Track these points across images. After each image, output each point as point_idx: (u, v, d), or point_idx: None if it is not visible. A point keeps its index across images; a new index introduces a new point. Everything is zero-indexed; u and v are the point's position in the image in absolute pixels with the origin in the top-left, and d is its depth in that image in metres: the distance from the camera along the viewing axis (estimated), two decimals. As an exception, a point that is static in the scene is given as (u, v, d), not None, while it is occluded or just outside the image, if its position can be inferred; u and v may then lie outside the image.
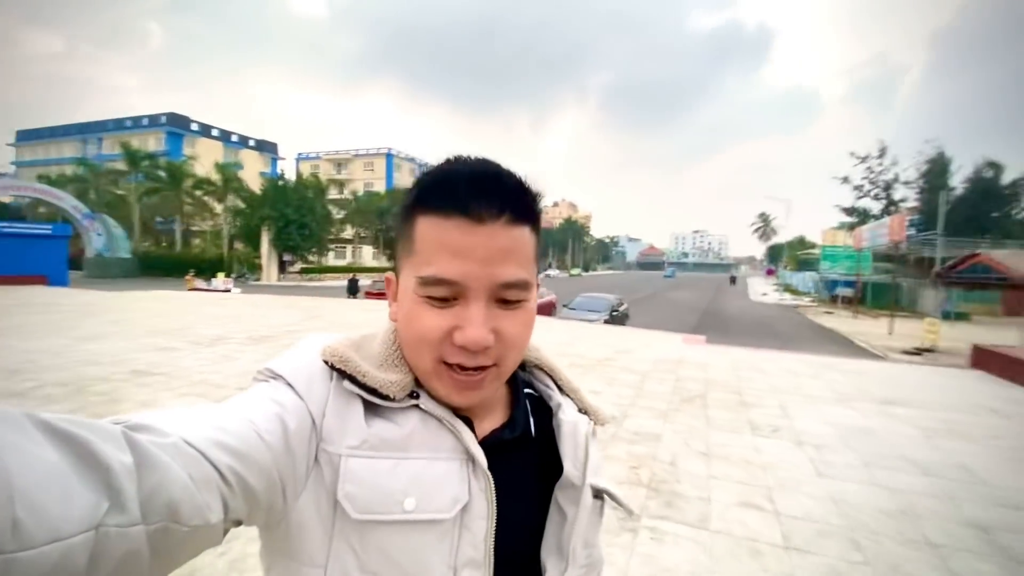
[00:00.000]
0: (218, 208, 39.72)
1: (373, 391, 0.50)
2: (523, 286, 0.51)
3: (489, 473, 0.52)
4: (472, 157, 0.52)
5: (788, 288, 49.63)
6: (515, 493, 0.55)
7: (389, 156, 66.49)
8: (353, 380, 0.51)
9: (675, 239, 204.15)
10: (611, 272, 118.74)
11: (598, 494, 0.58)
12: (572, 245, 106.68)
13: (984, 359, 8.37)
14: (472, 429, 0.55)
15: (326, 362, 0.52)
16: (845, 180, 40.72)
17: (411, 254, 0.51)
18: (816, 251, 50.55)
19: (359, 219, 50.14)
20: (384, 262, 53.28)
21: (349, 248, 57.62)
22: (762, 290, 48.16)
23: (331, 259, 54.85)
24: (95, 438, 0.33)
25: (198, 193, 39.18)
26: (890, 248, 20.57)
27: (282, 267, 37.25)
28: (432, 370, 0.51)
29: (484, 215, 0.48)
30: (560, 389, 0.64)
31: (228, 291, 21.49)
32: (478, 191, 0.48)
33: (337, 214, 50.08)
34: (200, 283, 23.14)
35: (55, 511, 0.29)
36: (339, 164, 68.09)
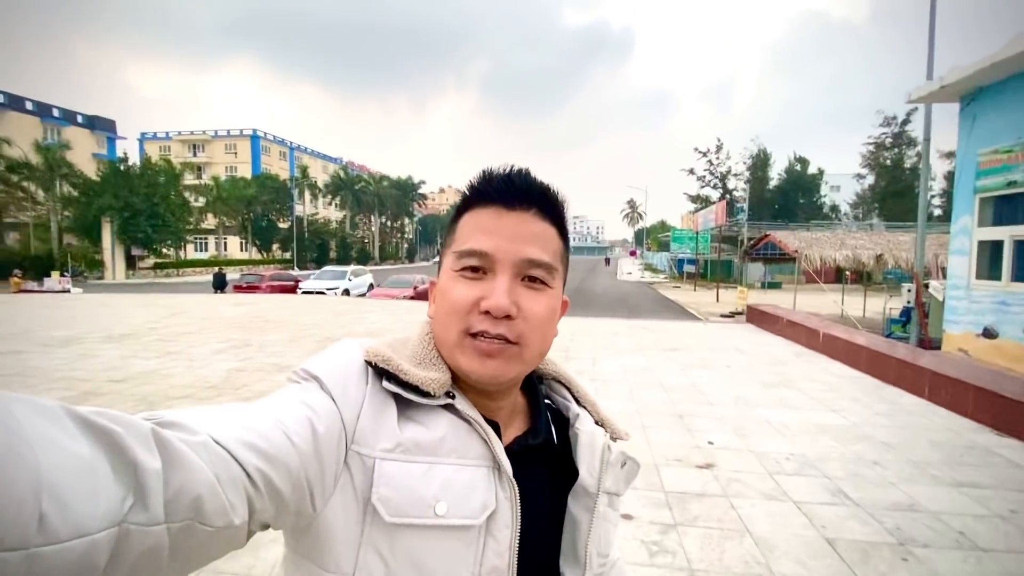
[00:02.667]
0: (43, 197, 34.10)
1: (414, 388, 0.52)
2: (547, 268, 0.55)
3: (515, 481, 0.53)
4: (508, 165, 0.57)
5: (649, 267, 55.92)
6: (537, 501, 0.56)
7: (255, 137, 61.35)
8: (394, 378, 0.52)
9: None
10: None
11: (612, 502, 0.61)
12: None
13: (754, 316, 11.05)
14: (500, 436, 0.56)
15: (368, 362, 0.53)
16: (691, 172, 46.60)
17: (452, 244, 0.57)
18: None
19: (223, 207, 46.08)
20: (254, 254, 49.69)
21: (212, 239, 52.66)
22: (628, 270, 53.42)
23: (191, 252, 49.82)
24: (126, 434, 0.33)
25: (15, 179, 33.23)
26: (715, 231, 24.61)
27: (131, 263, 33.33)
28: (457, 341, 0.53)
29: (515, 204, 0.55)
30: (577, 401, 0.66)
31: (67, 291, 19.08)
32: (510, 184, 0.56)
33: (196, 202, 45.57)
34: (31, 284, 20.19)
35: (81, 507, 0.29)
36: (195, 146, 61.31)
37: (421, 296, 17.41)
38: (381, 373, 0.53)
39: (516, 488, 0.53)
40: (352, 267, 22.80)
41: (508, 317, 0.52)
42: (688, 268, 35.89)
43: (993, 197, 6.85)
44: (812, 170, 50.27)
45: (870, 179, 45.64)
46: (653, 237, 76.26)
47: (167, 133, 62.00)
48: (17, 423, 0.28)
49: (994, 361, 6.55)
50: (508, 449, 0.56)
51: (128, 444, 0.32)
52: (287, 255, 48.87)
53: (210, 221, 49.17)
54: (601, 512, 0.58)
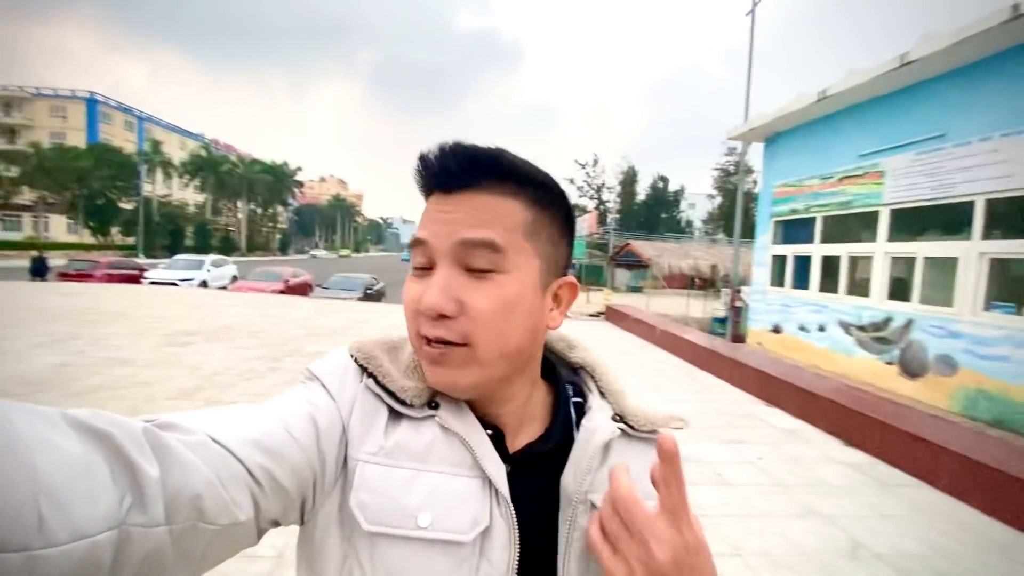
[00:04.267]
0: None
1: (392, 395, 0.49)
2: (490, 247, 0.47)
3: (510, 501, 0.47)
4: (444, 142, 0.48)
5: (531, 269, 58.58)
6: (543, 516, 0.50)
7: (92, 101, 52.49)
8: (375, 380, 0.50)
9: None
10: (384, 254, 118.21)
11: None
12: (342, 224, 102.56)
13: (611, 315, 12.43)
14: (504, 443, 0.51)
15: (353, 357, 0.51)
16: (571, 181, 49.86)
17: None
18: (552, 238, 60.55)
19: (45, 180, 38.84)
20: (86, 237, 42.62)
21: (27, 217, 44.08)
22: (510, 271, 55.30)
23: (-2, 231, 41.32)
24: (122, 435, 0.32)
25: None
26: (587, 239, 26.82)
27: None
28: (417, 346, 0.49)
29: (453, 184, 0.48)
30: (601, 392, 0.58)
31: None
32: (443, 165, 0.48)
33: (7, 171, 37.88)
34: None
35: (80, 509, 0.29)
36: (7, 104, 50.84)
37: (293, 290, 16.51)
38: (367, 372, 0.50)
39: (512, 508, 0.47)
40: (212, 257, 20.81)
41: (444, 316, 0.46)
42: (565, 271, 38.34)
43: (783, 220, 8.60)
44: (676, 187, 56.51)
45: (719, 199, 52.67)
46: (535, 241, 79.63)
47: (-34, 84, 50.51)
48: (13, 426, 0.28)
49: (778, 351, 8.25)
50: (513, 457, 0.51)
51: (124, 445, 0.32)
52: (131, 240, 42.69)
53: (27, 195, 41.13)
54: (580, 524, 0.49)
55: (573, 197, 50.26)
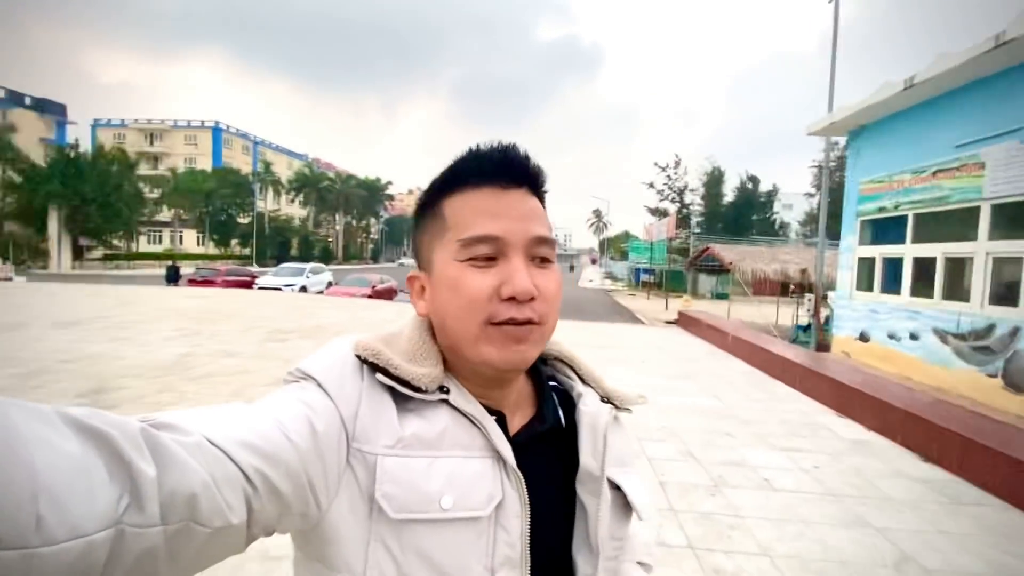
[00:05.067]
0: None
1: (405, 383, 0.51)
2: (551, 244, 0.55)
3: (519, 472, 0.52)
4: (495, 142, 0.54)
5: (610, 275, 57.61)
6: (547, 489, 0.55)
7: (217, 130, 59.97)
8: (385, 373, 0.51)
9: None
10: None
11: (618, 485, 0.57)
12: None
13: (683, 321, 12.05)
14: (506, 425, 0.56)
15: (358, 356, 0.52)
16: (651, 185, 48.49)
17: (444, 231, 0.54)
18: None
19: (180, 200, 44.91)
20: (212, 248, 48.50)
21: (167, 232, 51.12)
22: (589, 277, 54.91)
23: (144, 244, 48.28)
24: (119, 435, 0.33)
25: (-50, 160, 31.64)
26: (667, 243, 25.99)
27: (78, 253, 32.19)
28: (480, 333, 0.51)
29: (509, 183, 0.54)
30: (582, 380, 0.64)
31: (9, 279, 18.54)
32: (506, 162, 0.54)
33: (151, 193, 44.24)
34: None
35: (77, 508, 0.29)
36: (152, 135, 59.38)
37: (379, 295, 17.79)
38: (373, 368, 0.52)
39: (522, 478, 0.52)
40: (311, 265, 22.91)
41: (531, 299, 0.51)
42: (645, 277, 37.32)
43: (870, 220, 7.96)
44: (768, 186, 52.93)
45: (818, 198, 48.57)
46: (616, 246, 78.44)
47: (123, 121, 59.81)
48: (12, 424, 0.28)
49: (866, 361, 7.62)
50: (515, 438, 0.55)
51: (121, 445, 0.32)
52: (246, 251, 47.95)
53: (165, 213, 47.75)
54: (608, 495, 0.56)
55: (653, 201, 49.00)
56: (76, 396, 4.74)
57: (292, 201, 59.02)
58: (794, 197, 57.93)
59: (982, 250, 5.85)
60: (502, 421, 0.55)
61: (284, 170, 62.29)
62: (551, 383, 0.63)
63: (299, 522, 0.46)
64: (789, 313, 15.51)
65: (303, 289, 19.63)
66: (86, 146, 38.79)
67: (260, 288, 19.26)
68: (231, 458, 0.39)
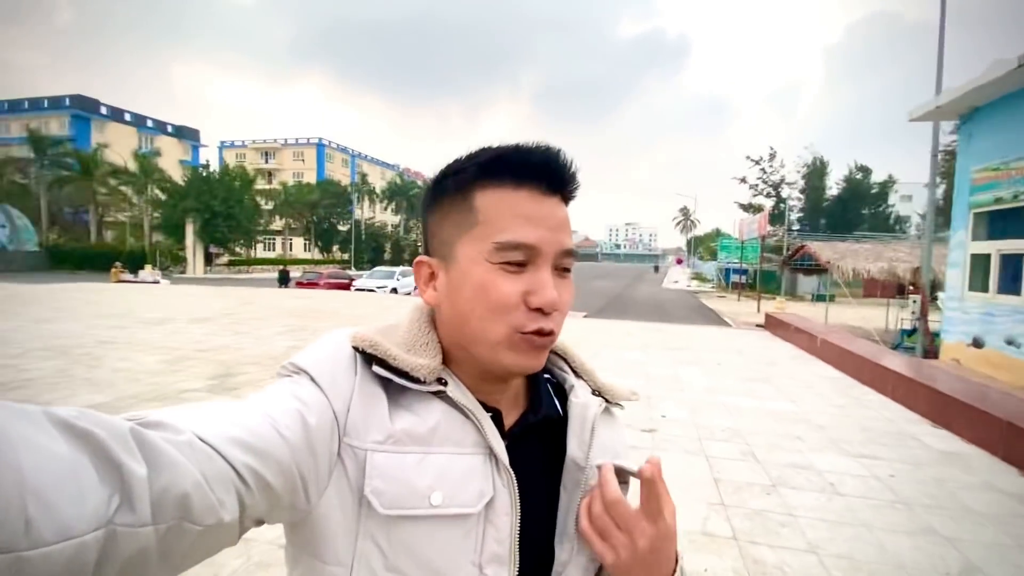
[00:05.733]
0: (136, 199, 38.50)
1: (403, 374, 0.51)
2: (574, 256, 0.55)
3: (511, 470, 0.52)
4: (538, 143, 0.53)
5: (698, 276, 55.00)
6: (536, 482, 0.55)
7: (320, 146, 65.72)
8: (383, 364, 0.51)
9: (609, 231, 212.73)
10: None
11: (619, 476, 0.56)
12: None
13: (770, 323, 11.44)
14: (501, 420, 0.56)
15: (356, 348, 0.52)
16: (743, 180, 45.66)
17: (473, 225, 0.52)
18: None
19: (289, 211, 49.87)
20: (316, 254, 53.24)
21: (279, 240, 56.87)
22: (675, 278, 52.86)
23: (260, 251, 54.03)
24: (107, 435, 0.32)
25: (113, 183, 37.78)
26: (758, 240, 24.46)
27: (208, 259, 36.90)
28: (506, 338, 0.51)
29: (548, 189, 0.53)
30: (575, 372, 0.65)
31: (157, 282, 21.89)
32: (549, 167, 0.53)
33: (266, 205, 49.50)
34: (127, 275, 23.26)
35: (67, 509, 0.29)
36: (267, 153, 66.41)
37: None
38: (370, 359, 0.51)
39: (513, 476, 0.52)
40: (401, 268, 24.50)
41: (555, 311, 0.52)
42: (735, 278, 35.33)
43: (985, 212, 7.14)
44: (882, 177, 47.76)
45: (943, 188, 43.06)
46: (705, 245, 74.70)
47: (243, 141, 67.43)
48: None
49: (980, 370, 6.85)
50: (510, 431, 0.56)
51: (110, 445, 0.32)
52: (345, 256, 51.99)
53: (277, 223, 53.17)
54: (593, 485, 0.55)
55: (746, 196, 46.15)
56: (208, 379, 5.69)
57: (385, 209, 63.05)
58: (914, 188, 51.60)
59: (1120, 244, 5.09)
60: (497, 418, 0.55)
61: (378, 180, 66.76)
62: (545, 375, 0.64)
63: (288, 514, 0.46)
64: (905, 316, 13.99)
65: (394, 291, 21.10)
66: (215, 165, 44.45)
67: (357, 290, 21.00)
68: (222, 455, 0.39)
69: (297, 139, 66.43)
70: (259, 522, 0.44)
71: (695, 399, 5.59)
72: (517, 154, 0.53)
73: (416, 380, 0.51)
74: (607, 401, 0.62)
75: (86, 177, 36.00)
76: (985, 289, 7.01)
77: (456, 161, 0.55)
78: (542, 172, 0.53)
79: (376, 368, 0.51)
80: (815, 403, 5.60)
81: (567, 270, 0.55)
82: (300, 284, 22.27)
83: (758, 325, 15.06)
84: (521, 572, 0.52)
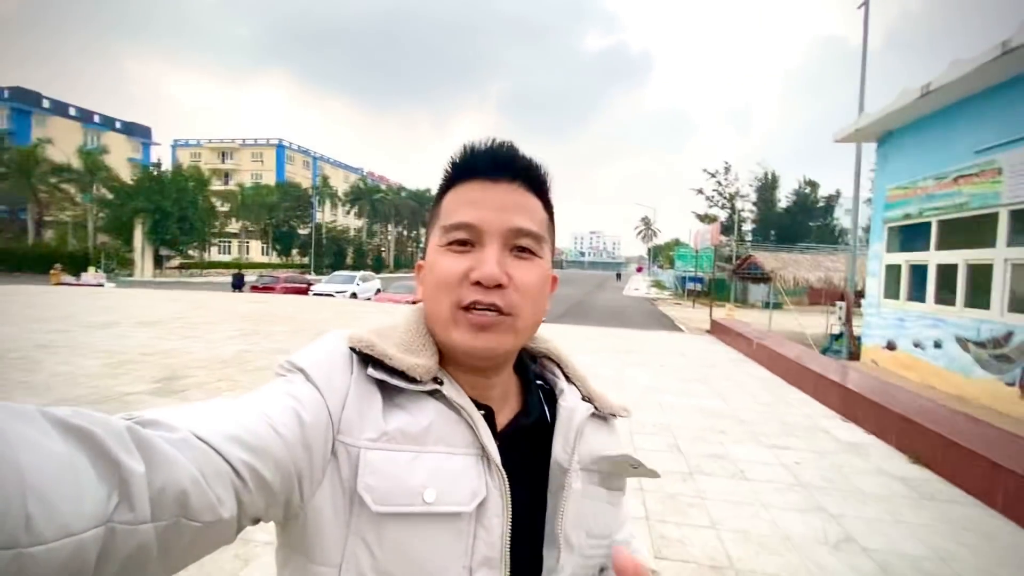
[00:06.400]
0: (80, 197, 36.61)
1: (400, 374, 0.51)
2: (535, 237, 0.56)
3: (504, 471, 0.53)
4: (490, 138, 0.57)
5: (657, 283, 56.70)
6: (529, 484, 0.56)
7: (280, 147, 64.13)
8: (380, 365, 0.52)
9: (575, 239, 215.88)
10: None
11: (604, 480, 0.59)
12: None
13: (715, 329, 12.06)
14: (493, 420, 0.56)
15: (352, 349, 0.53)
16: (700, 192, 47.52)
17: (437, 221, 0.57)
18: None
19: (246, 213, 48.39)
20: (275, 258, 51.86)
21: (235, 243, 55.11)
22: (635, 286, 54.20)
23: (215, 254, 52.23)
24: (105, 433, 0.33)
25: (55, 180, 35.83)
26: (711, 250, 25.56)
27: (158, 262, 35.43)
28: (450, 316, 0.53)
29: (499, 176, 0.55)
30: (567, 378, 0.65)
31: (101, 285, 20.89)
32: (494, 157, 0.56)
33: (222, 207, 47.96)
34: (68, 278, 22.10)
35: (66, 507, 0.29)
36: (223, 153, 64.29)
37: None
38: (366, 360, 0.52)
39: (506, 478, 0.53)
40: (361, 273, 24.28)
41: (499, 286, 0.52)
42: (691, 286, 36.67)
43: (898, 227, 7.86)
44: (829, 191, 50.44)
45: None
46: (664, 254, 76.97)
47: (198, 140, 65.08)
48: None
49: (894, 370, 7.51)
50: (502, 432, 0.56)
51: (107, 443, 0.32)
52: (305, 260, 50.90)
53: (234, 225, 51.53)
54: (578, 489, 0.56)
55: (703, 207, 47.97)
56: (153, 381, 5.63)
57: (348, 213, 62.09)
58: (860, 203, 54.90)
59: (1001, 257, 5.76)
60: (490, 417, 0.56)
61: (341, 183, 65.64)
62: (538, 381, 0.65)
63: (283, 511, 0.46)
64: (830, 322, 14.99)
65: (353, 296, 20.89)
66: (167, 164, 42.81)
67: (315, 294, 20.67)
68: (219, 453, 0.39)
69: (256, 139, 64.60)
70: (256, 520, 0.44)
71: (635, 397, 5.92)
72: (466, 153, 0.57)
73: (412, 380, 0.52)
74: (596, 408, 0.63)
75: (24, 174, 34.01)
76: (897, 296, 7.70)
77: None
78: (486, 162, 0.56)
79: (371, 371, 0.52)
80: (744, 401, 6.04)
81: (526, 250, 0.56)
82: (256, 288, 21.70)
83: (707, 331, 15.83)
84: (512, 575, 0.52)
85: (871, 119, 7.75)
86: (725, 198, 47.35)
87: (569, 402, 0.61)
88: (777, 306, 28.28)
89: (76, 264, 28.26)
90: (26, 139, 41.13)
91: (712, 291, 33.22)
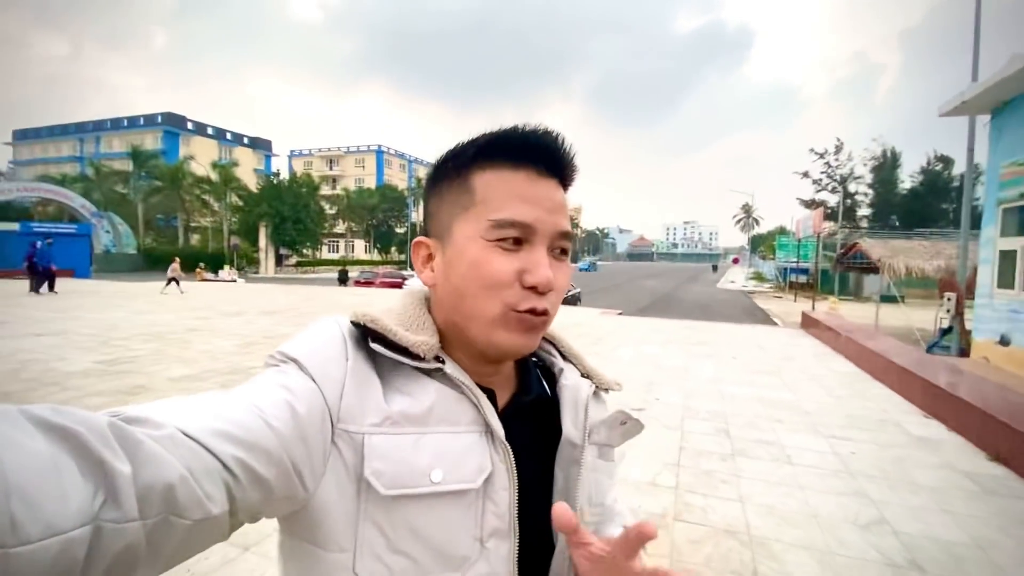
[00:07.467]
0: (217, 205, 42.37)
1: (403, 351, 0.51)
2: (571, 239, 0.57)
3: (507, 444, 0.54)
4: (538, 125, 0.55)
5: (757, 275, 52.97)
6: (532, 460, 0.57)
7: (379, 152, 69.02)
8: (383, 340, 0.51)
9: (666, 230, 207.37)
10: (599, 263, 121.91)
11: (602, 452, 0.61)
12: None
13: (806, 322, 11.39)
14: (494, 399, 0.57)
15: (355, 323, 0.53)
16: (805, 175, 43.64)
17: (471, 204, 0.54)
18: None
19: (351, 214, 52.95)
20: (376, 255, 56.07)
21: (342, 242, 60.35)
22: (732, 278, 51.20)
23: (324, 253, 57.57)
24: (88, 432, 0.32)
25: (197, 191, 41.81)
26: (814, 239, 23.56)
27: (279, 260, 40.05)
28: (500, 316, 0.52)
29: (545, 171, 0.54)
30: (563, 356, 0.67)
31: (234, 281, 24.39)
32: (545, 149, 0.54)
33: (330, 210, 52.78)
34: (209, 275, 25.99)
35: (51, 506, 0.29)
36: (331, 160, 70.55)
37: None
38: (367, 336, 0.52)
39: (510, 450, 0.54)
40: (450, 267, 25.82)
41: (550, 291, 0.53)
42: (794, 277, 33.99)
43: (1013, 208, 7.02)
44: (957, 170, 44.04)
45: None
46: (766, 244, 71.56)
47: (310, 150, 71.98)
48: None
49: (1007, 368, 6.77)
50: (503, 411, 0.57)
51: (90, 442, 0.32)
52: (402, 257, 54.43)
53: (341, 226, 56.48)
54: (589, 463, 0.58)
55: (809, 192, 43.98)
56: (271, 360, 6.76)
57: (439, 211, 65.14)
58: (1007, 178, 47.06)
59: None
60: (491, 398, 0.57)
61: (433, 183, 69.01)
62: (533, 359, 0.66)
63: (286, 505, 0.46)
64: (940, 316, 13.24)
65: (442, 289, 22.28)
66: (285, 173, 47.99)
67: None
68: (208, 449, 0.39)
69: (358, 147, 70.09)
70: (255, 517, 0.44)
71: (695, 387, 6.01)
72: (515, 135, 0.54)
73: (415, 357, 0.52)
74: (596, 386, 0.65)
75: (174, 187, 40.05)
76: (1012, 286, 6.91)
77: (457, 145, 0.57)
78: (540, 154, 0.54)
79: (374, 345, 0.52)
80: (813, 393, 5.87)
81: (564, 252, 0.56)
82: (358, 283, 24.02)
83: (800, 325, 14.81)
84: (521, 545, 0.54)
85: (979, 89, 6.98)
86: (835, 180, 43.06)
87: (571, 380, 0.63)
88: (892, 299, 25.41)
89: (214, 263, 32.88)
90: (175, 157, 48.36)
91: (817, 283, 30.62)
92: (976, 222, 8.10)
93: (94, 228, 32.81)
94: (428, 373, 0.54)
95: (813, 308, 19.66)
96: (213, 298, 14.91)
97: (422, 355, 0.52)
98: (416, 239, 0.59)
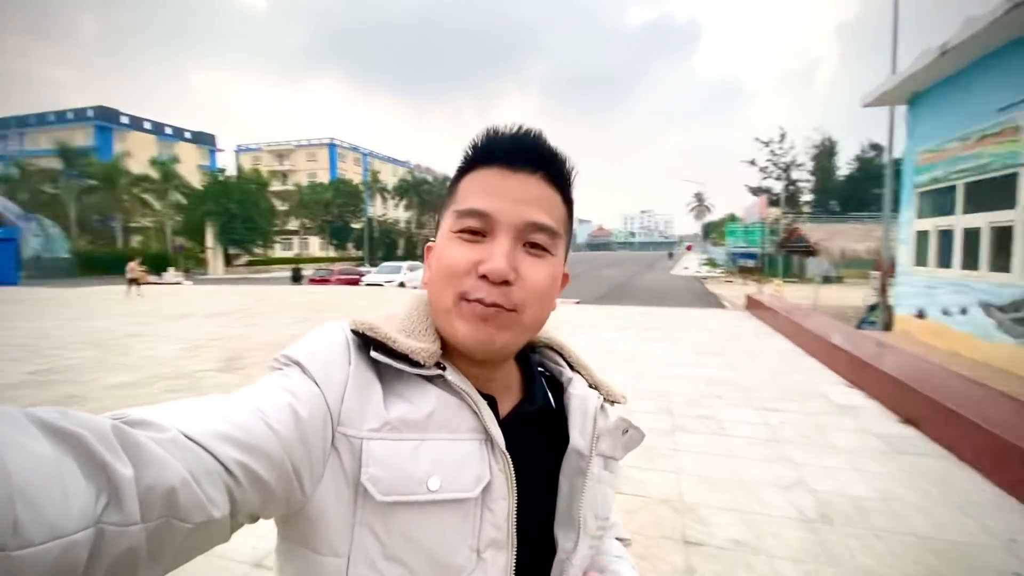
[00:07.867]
0: (158, 204, 40.22)
1: (403, 358, 0.51)
2: (550, 233, 0.54)
3: (507, 453, 0.53)
4: (515, 124, 0.55)
5: (709, 261, 54.97)
6: (533, 470, 0.56)
7: (332, 146, 67.09)
8: (382, 347, 0.51)
9: (624, 219, 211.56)
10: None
11: (607, 464, 0.61)
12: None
13: (751, 304, 11.99)
14: (496, 408, 0.56)
15: (355, 332, 0.53)
16: (752, 163, 45.47)
17: (451, 204, 0.56)
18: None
19: (304, 211, 51.37)
20: (332, 252, 54.71)
21: (295, 239, 58.53)
22: (685, 264, 52.93)
23: (278, 251, 55.71)
24: (91, 435, 0.32)
25: (136, 190, 39.53)
26: (761, 224, 24.75)
27: (228, 260, 38.49)
28: (453, 306, 0.52)
29: (520, 165, 0.54)
30: (571, 367, 0.66)
31: (180, 283, 23.30)
32: (517, 144, 0.54)
33: (281, 206, 51.07)
34: (151, 278, 24.72)
35: (53, 509, 0.29)
36: (281, 155, 68.05)
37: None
38: (368, 344, 0.52)
39: (510, 460, 0.53)
40: (408, 263, 25.45)
41: (506, 283, 0.51)
42: (743, 262, 35.52)
43: (927, 192, 7.62)
44: (899, 154, 46.85)
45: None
46: (718, 231, 74.19)
47: (258, 145, 69.16)
48: None
49: (924, 339, 7.38)
50: (503, 420, 0.56)
51: (94, 445, 0.32)
52: (360, 253, 53.35)
53: (293, 223, 54.75)
54: (595, 474, 0.58)
55: (756, 180, 45.90)
56: (219, 361, 6.58)
57: (397, 205, 64.23)
58: (933, 164, 50.56)
59: (1021, 219, 5.59)
60: (492, 405, 0.56)
61: (390, 177, 67.82)
62: (539, 369, 0.66)
63: (283, 507, 0.46)
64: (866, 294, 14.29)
65: (401, 284, 22.03)
66: (232, 169, 46.07)
67: (367, 285, 22.00)
68: (210, 452, 0.39)
69: (310, 140, 67.88)
70: (254, 518, 0.44)
71: (645, 369, 6.27)
72: (487, 138, 0.55)
73: (415, 364, 0.52)
74: (604, 398, 0.65)
75: (110, 185, 37.75)
76: (927, 264, 7.51)
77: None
78: (508, 150, 0.54)
79: (374, 354, 0.51)
80: (752, 370, 6.23)
81: (538, 246, 0.54)
82: (313, 281, 23.41)
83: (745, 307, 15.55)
84: (519, 557, 0.53)
85: (896, 81, 7.51)
86: (780, 168, 45.08)
87: (579, 391, 0.63)
88: (834, 279, 27.05)
89: (157, 265, 31.27)
90: (108, 154, 45.46)
91: (765, 267, 32.09)
92: (898, 205, 8.73)
93: (21, 232, 30.59)
94: (429, 379, 0.54)
95: (760, 291, 20.75)
96: (157, 302, 14.23)
97: (422, 362, 0.52)
98: (428, 244, 0.61)
